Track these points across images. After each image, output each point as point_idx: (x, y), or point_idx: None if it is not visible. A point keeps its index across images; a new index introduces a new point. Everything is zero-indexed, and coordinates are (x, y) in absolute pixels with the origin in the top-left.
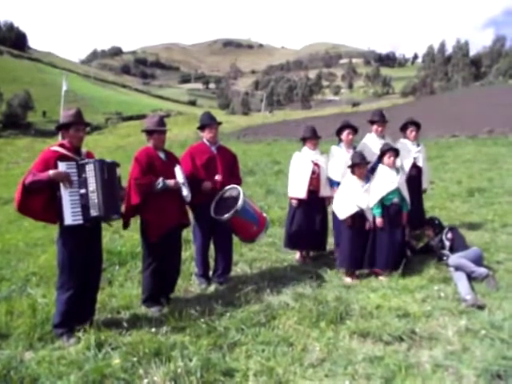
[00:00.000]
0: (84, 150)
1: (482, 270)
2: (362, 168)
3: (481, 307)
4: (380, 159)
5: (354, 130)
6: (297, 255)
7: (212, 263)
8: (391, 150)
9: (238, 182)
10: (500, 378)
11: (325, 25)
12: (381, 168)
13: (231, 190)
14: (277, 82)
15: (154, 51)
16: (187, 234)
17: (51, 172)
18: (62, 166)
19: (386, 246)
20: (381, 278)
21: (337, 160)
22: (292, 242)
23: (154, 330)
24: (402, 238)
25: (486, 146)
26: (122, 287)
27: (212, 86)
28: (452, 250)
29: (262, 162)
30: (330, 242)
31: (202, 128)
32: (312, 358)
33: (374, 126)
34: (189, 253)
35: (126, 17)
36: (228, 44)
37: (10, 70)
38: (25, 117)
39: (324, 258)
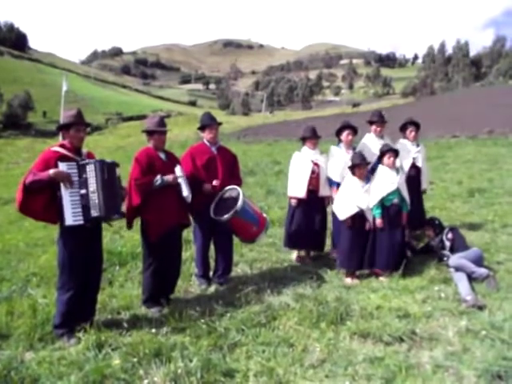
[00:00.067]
0: (84, 150)
1: (483, 271)
2: (363, 169)
3: (481, 308)
4: (380, 160)
5: (354, 131)
6: (293, 255)
7: (212, 264)
8: (391, 151)
9: (239, 182)
10: (500, 379)
11: (325, 25)
12: (381, 168)
13: (231, 190)
14: (277, 83)
15: (154, 52)
16: (187, 234)
17: (51, 171)
18: (63, 167)
19: (386, 246)
20: (381, 278)
21: (336, 160)
22: (291, 241)
23: (154, 330)
24: (402, 239)
25: (486, 146)
26: (123, 288)
27: (212, 86)
28: (452, 250)
29: (263, 163)
30: (327, 242)
31: (202, 128)
32: (312, 359)
33: (373, 127)
34: (189, 253)
35: (127, 17)
36: (228, 44)
37: (10, 70)
38: (25, 117)
39: (324, 258)
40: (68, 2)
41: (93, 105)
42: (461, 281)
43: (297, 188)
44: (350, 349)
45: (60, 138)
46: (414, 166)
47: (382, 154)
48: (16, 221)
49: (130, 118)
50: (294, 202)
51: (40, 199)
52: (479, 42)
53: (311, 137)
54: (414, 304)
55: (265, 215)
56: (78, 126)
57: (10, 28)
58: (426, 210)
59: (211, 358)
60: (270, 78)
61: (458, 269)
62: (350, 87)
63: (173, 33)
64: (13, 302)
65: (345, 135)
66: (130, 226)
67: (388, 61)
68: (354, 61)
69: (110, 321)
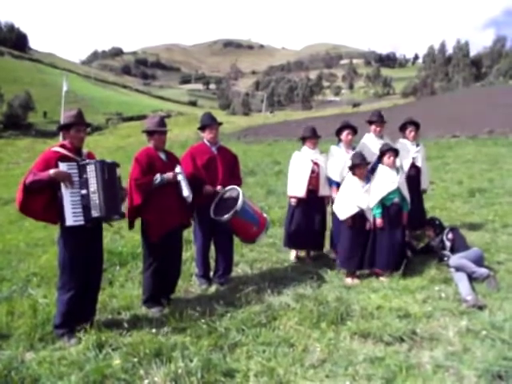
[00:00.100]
0: (85, 150)
1: (483, 271)
2: (363, 168)
3: (481, 308)
4: (380, 159)
5: (354, 131)
6: (292, 255)
7: (213, 264)
8: (391, 150)
9: (239, 182)
10: (501, 379)
11: (325, 25)
12: (381, 168)
13: (231, 190)
14: (277, 83)
15: (154, 52)
16: (188, 234)
17: (52, 171)
18: (63, 167)
19: (387, 246)
20: (382, 278)
21: (336, 160)
22: (291, 241)
23: (154, 330)
24: (403, 238)
25: (486, 146)
26: (123, 288)
27: (212, 86)
28: (453, 250)
29: (263, 163)
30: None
31: (202, 128)
32: (313, 359)
33: (373, 127)
34: (189, 253)
35: (127, 17)
36: (228, 44)
37: (10, 70)
38: (25, 117)
39: (324, 258)
40: (68, 2)
41: (93, 105)
42: (461, 281)
43: (296, 187)
44: (351, 349)
45: (60, 138)
46: (413, 166)
47: (382, 153)
48: (16, 221)
49: (131, 118)
50: (293, 201)
51: (40, 199)
52: (479, 42)
53: (311, 136)
54: (415, 304)
55: (265, 215)
56: (78, 126)
57: (11, 28)
58: (427, 210)
59: (212, 358)
60: (270, 78)
61: (458, 269)
62: (351, 87)
63: (173, 33)
64: (13, 302)
65: (344, 135)
66: (131, 226)
67: (388, 61)
68: (355, 61)
69: (110, 321)
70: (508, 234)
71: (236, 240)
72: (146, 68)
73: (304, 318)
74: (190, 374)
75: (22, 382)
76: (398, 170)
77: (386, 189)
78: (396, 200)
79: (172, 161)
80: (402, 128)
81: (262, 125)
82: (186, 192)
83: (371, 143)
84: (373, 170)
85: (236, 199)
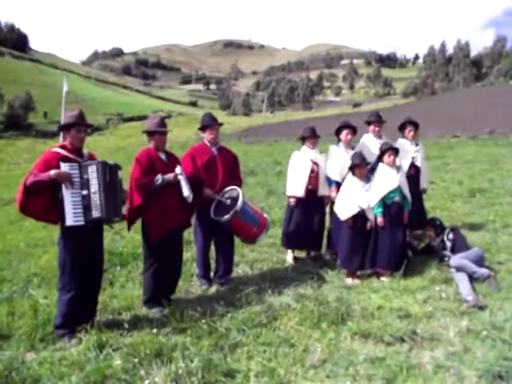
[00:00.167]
0: (85, 151)
1: (484, 271)
2: (362, 169)
3: (482, 308)
4: (380, 159)
5: (353, 130)
6: (288, 257)
7: (213, 264)
8: (391, 149)
9: (239, 183)
10: (501, 379)
11: (326, 26)
12: (381, 167)
13: (231, 191)
14: (278, 83)
15: (154, 52)
16: (188, 235)
17: (52, 172)
18: (65, 167)
19: (388, 245)
20: (382, 278)
21: (335, 159)
22: (289, 241)
23: (155, 330)
24: (403, 238)
25: (486, 146)
26: (124, 288)
27: (213, 86)
28: (453, 250)
29: (263, 163)
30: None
31: (202, 129)
32: (313, 359)
33: (371, 127)
34: (190, 254)
35: (127, 18)
36: (229, 45)
37: (11, 71)
38: (26, 118)
39: (324, 258)
40: (69, 2)
41: (93, 105)
42: (462, 281)
43: (296, 187)
44: (351, 349)
45: (61, 138)
46: (413, 166)
47: (383, 152)
48: (17, 221)
49: (131, 119)
50: (292, 201)
51: (40, 200)
52: (480, 42)
53: (310, 136)
54: (415, 304)
55: (265, 216)
56: (79, 126)
57: (11, 29)
58: (427, 210)
59: (212, 358)
60: (270, 79)
61: (458, 269)
62: (351, 87)
63: (173, 33)
64: (14, 303)
65: (344, 134)
66: (130, 227)
67: (389, 61)
68: (355, 61)
69: (110, 321)
70: (508, 235)
71: (236, 240)
72: (146, 68)
73: (305, 318)
74: (191, 374)
75: (23, 382)
76: (398, 168)
77: (386, 188)
78: (397, 199)
79: (172, 161)
80: (401, 128)
81: (262, 125)
82: (186, 192)
83: (370, 143)
84: (372, 169)
85: (236, 199)
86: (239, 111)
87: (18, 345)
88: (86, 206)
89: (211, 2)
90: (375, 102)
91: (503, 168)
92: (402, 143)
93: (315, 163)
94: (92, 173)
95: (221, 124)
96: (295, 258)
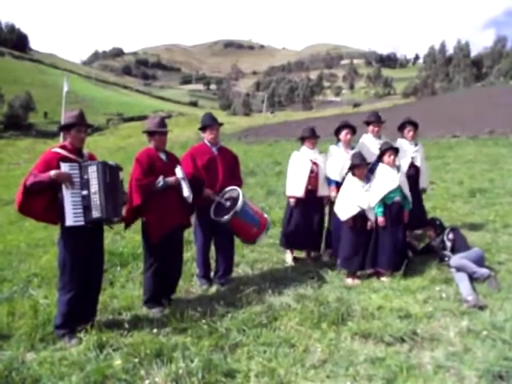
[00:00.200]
0: (86, 151)
1: (484, 271)
2: (362, 169)
3: (482, 308)
4: (379, 159)
5: (353, 130)
6: (287, 258)
7: (213, 264)
8: (391, 149)
9: (239, 183)
10: (502, 379)
11: (326, 26)
12: (381, 167)
13: (231, 191)
14: (278, 83)
15: (155, 52)
16: (188, 235)
17: (52, 172)
18: (65, 167)
19: (388, 245)
20: (383, 278)
21: (335, 159)
22: (288, 241)
23: (155, 330)
24: (404, 237)
25: (486, 146)
26: (124, 288)
27: (213, 87)
28: (453, 250)
29: (263, 163)
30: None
31: (203, 129)
32: (313, 359)
33: (370, 127)
34: (190, 254)
35: (127, 18)
36: (229, 45)
37: (11, 71)
38: (26, 118)
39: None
40: (69, 2)
41: (94, 105)
42: (462, 281)
43: (295, 187)
44: (351, 349)
45: (61, 138)
46: (412, 166)
47: (383, 152)
48: (17, 221)
49: (131, 119)
50: (292, 201)
51: (41, 200)
52: (480, 42)
53: (310, 136)
54: (416, 304)
55: (266, 216)
56: (79, 126)
57: (11, 29)
58: (427, 210)
59: (212, 358)
60: (270, 79)
61: (459, 269)
62: (351, 87)
63: (173, 33)
64: (14, 303)
65: (343, 134)
66: (127, 226)
67: (389, 61)
68: (355, 61)
69: (111, 321)
70: (509, 235)
71: (237, 240)
72: (146, 68)
73: (305, 318)
74: (191, 374)
75: (23, 382)
76: (398, 168)
77: (386, 187)
78: (397, 199)
79: (172, 161)
80: (401, 128)
81: (262, 125)
82: (186, 192)
83: (370, 143)
84: (372, 170)
85: (236, 200)
86: (239, 111)
87: (18, 345)
88: (86, 207)
89: (211, 2)
90: (375, 102)
91: (503, 168)
92: (402, 143)
93: (315, 163)
94: (92, 173)
95: (221, 124)
96: (295, 258)
